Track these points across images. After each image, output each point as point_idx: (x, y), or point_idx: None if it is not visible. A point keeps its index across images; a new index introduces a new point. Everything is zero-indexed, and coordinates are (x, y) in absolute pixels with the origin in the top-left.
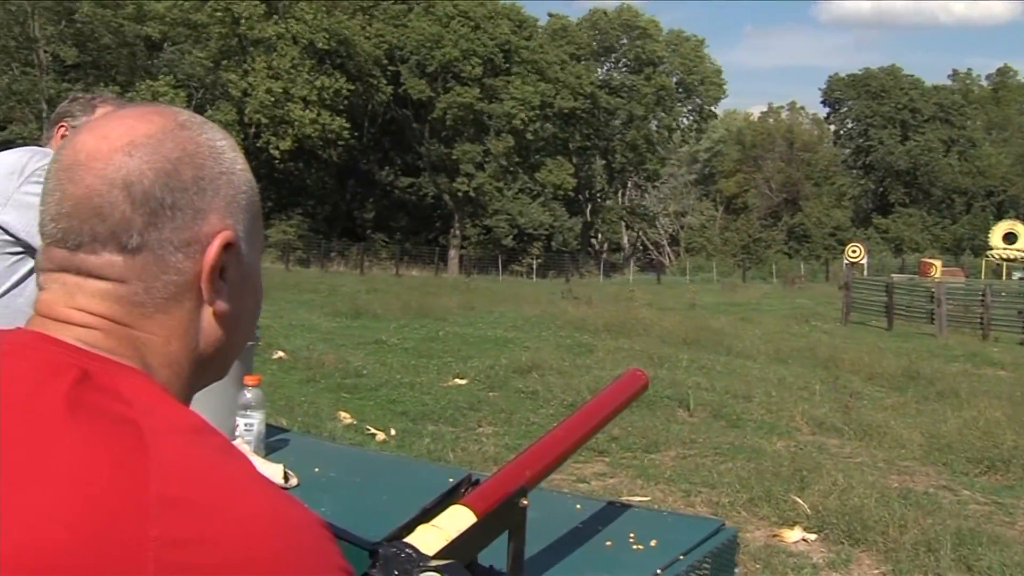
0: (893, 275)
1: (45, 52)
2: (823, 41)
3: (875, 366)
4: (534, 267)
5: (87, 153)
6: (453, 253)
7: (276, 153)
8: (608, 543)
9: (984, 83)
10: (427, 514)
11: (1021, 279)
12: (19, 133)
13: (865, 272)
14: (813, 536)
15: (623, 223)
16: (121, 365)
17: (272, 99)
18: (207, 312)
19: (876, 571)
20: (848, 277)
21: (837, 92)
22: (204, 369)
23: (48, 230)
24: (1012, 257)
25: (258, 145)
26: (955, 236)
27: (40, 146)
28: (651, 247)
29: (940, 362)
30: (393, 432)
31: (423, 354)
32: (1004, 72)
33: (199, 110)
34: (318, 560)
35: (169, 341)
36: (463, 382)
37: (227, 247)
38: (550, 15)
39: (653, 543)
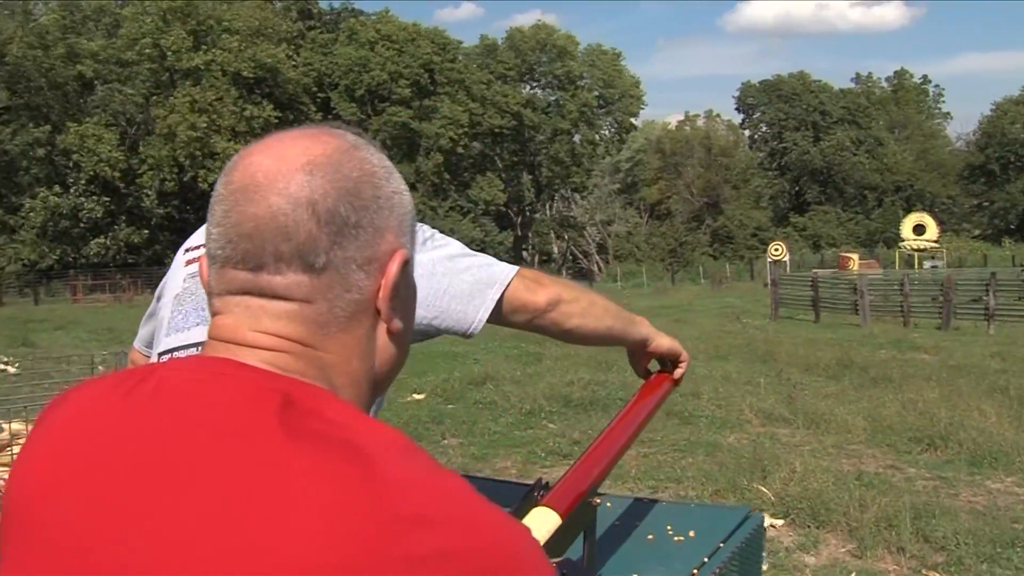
0: (816, 270)
1: None
2: (732, 50)
3: (810, 357)
4: None
5: (264, 173)
6: None
7: (205, 187)
8: (649, 537)
9: (884, 85)
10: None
11: (933, 267)
12: None
13: (788, 269)
14: (780, 522)
15: (553, 234)
16: (316, 387)
17: (196, 134)
18: (382, 330)
19: (843, 549)
20: (774, 274)
21: (750, 98)
22: (377, 388)
23: (225, 252)
24: (923, 247)
25: (185, 180)
26: (868, 230)
27: None
28: (581, 256)
29: (869, 350)
30: None
31: None
32: (902, 75)
33: (133, 148)
34: (542, 560)
35: (349, 360)
36: (421, 397)
37: (403, 265)
38: (482, 37)
39: (691, 534)
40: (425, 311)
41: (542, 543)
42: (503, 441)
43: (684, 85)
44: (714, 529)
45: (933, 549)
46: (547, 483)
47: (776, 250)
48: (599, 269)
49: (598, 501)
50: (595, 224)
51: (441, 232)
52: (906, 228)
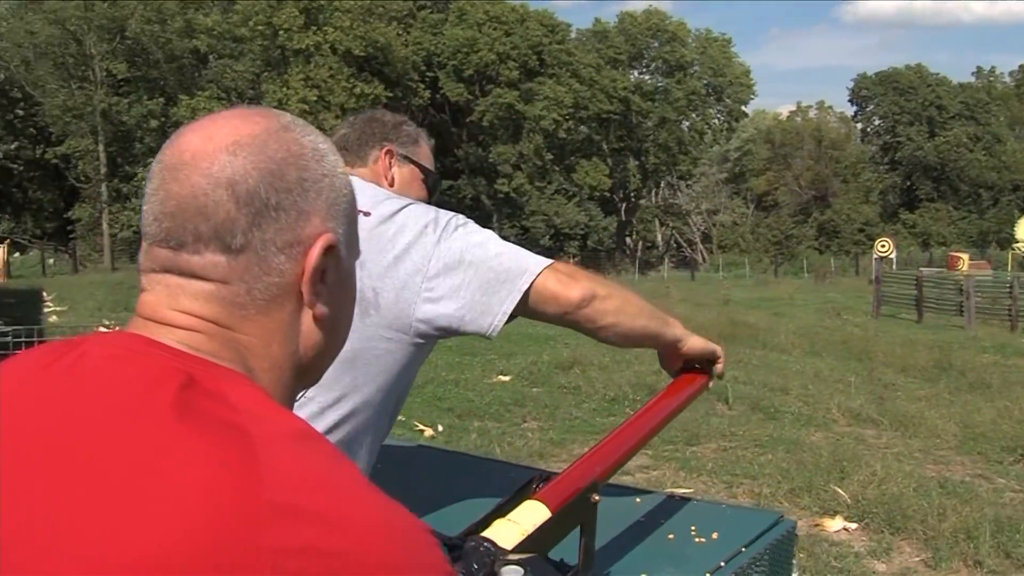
0: (922, 268)
1: (100, 68)
2: (848, 41)
3: (907, 358)
4: None
5: (192, 153)
6: None
7: None
8: (670, 536)
9: (1007, 80)
10: (501, 510)
11: None
12: (75, 147)
13: (894, 266)
14: (854, 525)
15: (657, 221)
16: (225, 369)
17: (306, 107)
18: (307, 316)
19: (916, 559)
20: (878, 271)
21: (864, 90)
22: (303, 374)
23: (151, 230)
24: None
25: None
26: (981, 230)
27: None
28: (684, 245)
29: (970, 353)
30: (440, 428)
31: (467, 352)
32: None
33: None
34: (430, 565)
35: (269, 344)
36: (507, 379)
37: (328, 250)
38: (596, 20)
39: (715, 535)
40: (451, 301)
41: (524, 537)
42: (583, 427)
43: (797, 76)
44: (739, 532)
45: (1014, 565)
46: (548, 475)
47: (883, 246)
48: (702, 259)
49: (597, 498)
50: (700, 213)
51: (544, 215)
52: (1020, 229)
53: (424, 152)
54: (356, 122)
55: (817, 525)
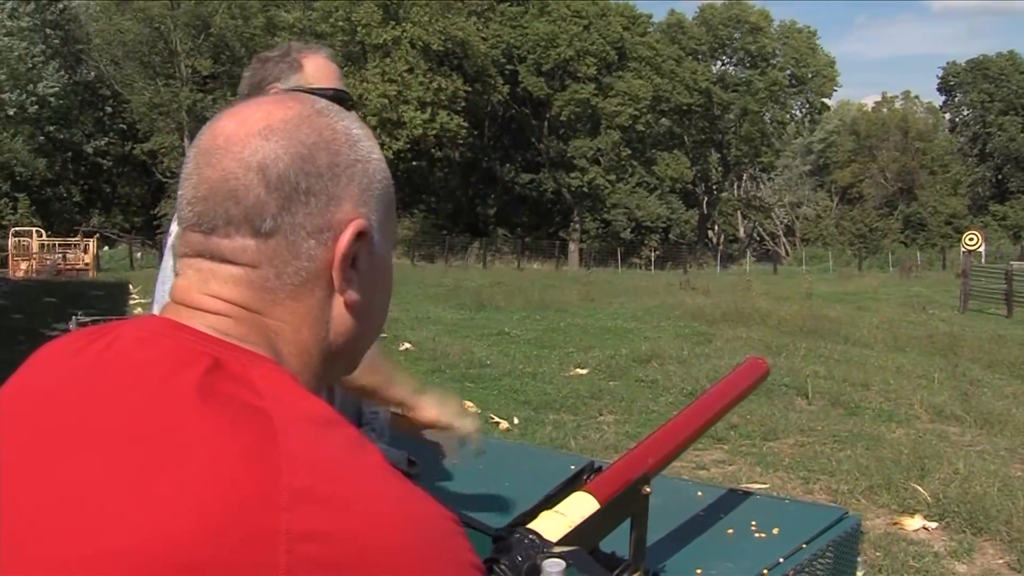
0: (1012, 262)
1: (185, 65)
2: (935, 30)
3: (995, 354)
4: (652, 259)
5: (225, 137)
6: (573, 247)
7: (390, 154)
8: (729, 531)
9: None
10: (550, 501)
11: None
12: (162, 143)
13: (983, 259)
14: (934, 524)
15: (739, 214)
16: (253, 353)
17: (386, 101)
18: (338, 302)
19: (1000, 560)
20: (966, 265)
21: (953, 79)
22: (334, 360)
23: (185, 214)
24: None
25: None
26: None
27: None
28: (767, 238)
29: None
30: (516, 421)
31: (545, 345)
32: None
33: None
34: (448, 555)
35: (299, 329)
36: (584, 372)
37: (359, 236)
38: (671, 12)
39: (775, 531)
40: None
41: (571, 529)
42: (659, 421)
43: (882, 65)
44: (801, 528)
45: None
46: (599, 467)
47: (971, 239)
48: (785, 252)
49: (648, 490)
50: (783, 206)
51: (625, 208)
52: None
53: (312, 73)
54: (246, 72)
55: (895, 524)
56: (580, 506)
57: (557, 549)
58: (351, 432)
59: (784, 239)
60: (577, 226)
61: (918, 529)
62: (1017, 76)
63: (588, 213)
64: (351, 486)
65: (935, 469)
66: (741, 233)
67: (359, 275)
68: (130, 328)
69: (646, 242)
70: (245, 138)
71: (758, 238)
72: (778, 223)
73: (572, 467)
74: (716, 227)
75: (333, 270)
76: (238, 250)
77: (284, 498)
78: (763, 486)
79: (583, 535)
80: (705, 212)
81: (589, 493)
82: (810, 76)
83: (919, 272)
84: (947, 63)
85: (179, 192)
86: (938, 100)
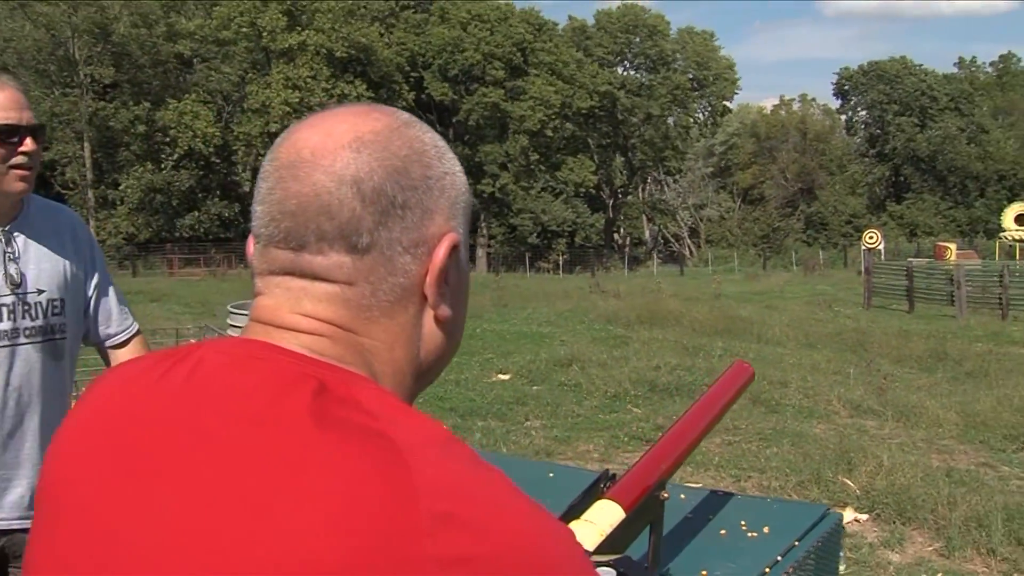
0: (911, 259)
1: (84, 73)
2: (829, 33)
3: (902, 348)
4: (560, 263)
5: (311, 150)
6: (481, 252)
7: None
8: (722, 531)
9: (989, 70)
10: (574, 510)
11: None
12: (64, 152)
13: (882, 257)
14: (864, 516)
15: (644, 217)
16: (354, 374)
17: (289, 109)
18: (428, 318)
19: (929, 548)
20: (869, 262)
21: (847, 83)
22: (423, 377)
23: (268, 231)
24: None
25: None
26: (969, 219)
27: None
28: (672, 240)
29: (964, 342)
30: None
31: (464, 351)
32: (1007, 58)
33: (227, 125)
34: (581, 567)
35: (392, 348)
36: (506, 377)
37: (452, 250)
38: (570, 17)
39: (766, 530)
40: None
41: (604, 537)
42: (586, 424)
43: (780, 69)
44: (790, 526)
45: None
46: (614, 474)
47: (871, 238)
48: (690, 253)
49: (666, 495)
50: (687, 208)
51: (531, 213)
52: (1008, 218)
53: None
54: None
55: None
56: (607, 514)
57: (600, 558)
58: (468, 449)
59: (689, 241)
60: (484, 232)
61: (850, 521)
62: (910, 79)
63: (495, 218)
64: (486, 507)
65: (861, 463)
66: (647, 236)
67: (450, 290)
68: (214, 351)
69: (553, 246)
70: (335, 151)
71: (663, 240)
72: (683, 225)
73: (573, 477)
74: (622, 230)
75: (428, 286)
76: (333, 267)
77: (426, 524)
78: (696, 486)
79: (613, 543)
80: (611, 216)
81: (614, 500)
82: (711, 79)
83: (822, 270)
84: (841, 68)
85: (257, 208)
86: (834, 103)
